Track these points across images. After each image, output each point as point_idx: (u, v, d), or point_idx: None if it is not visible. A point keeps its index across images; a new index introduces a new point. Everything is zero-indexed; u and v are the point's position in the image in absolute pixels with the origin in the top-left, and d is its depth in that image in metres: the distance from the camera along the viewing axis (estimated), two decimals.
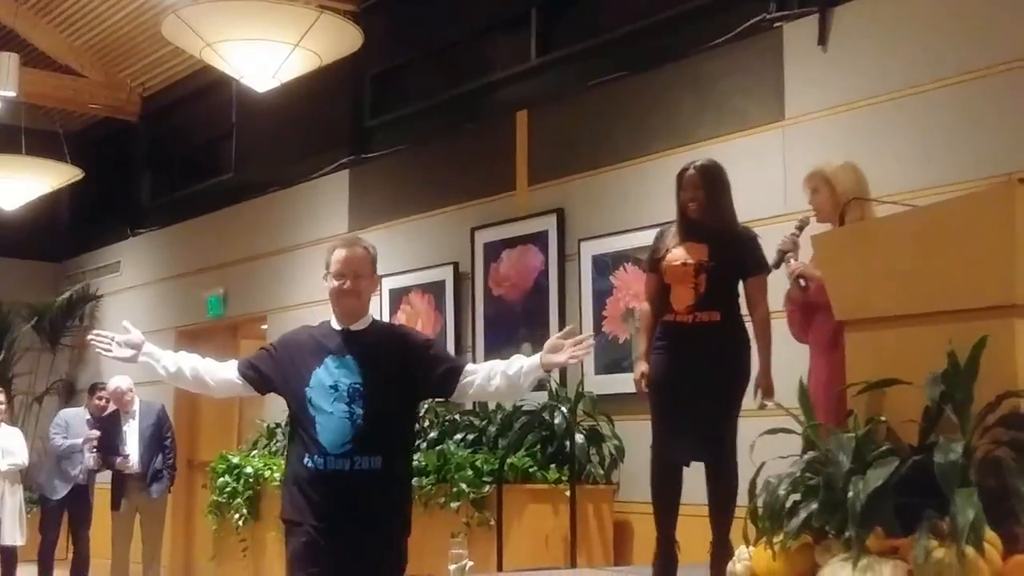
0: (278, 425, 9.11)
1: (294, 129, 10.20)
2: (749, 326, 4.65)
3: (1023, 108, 5.22)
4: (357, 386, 3.77)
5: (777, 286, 4.78)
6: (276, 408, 9.54)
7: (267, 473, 8.23)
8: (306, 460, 3.76)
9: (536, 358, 3.78)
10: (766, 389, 4.53)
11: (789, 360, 4.68)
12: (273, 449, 8.85)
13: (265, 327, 10.35)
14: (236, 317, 10.78)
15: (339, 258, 3.95)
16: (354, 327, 3.90)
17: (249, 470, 8.45)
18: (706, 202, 4.60)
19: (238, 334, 10.99)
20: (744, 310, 4.67)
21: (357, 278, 3.90)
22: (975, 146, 5.38)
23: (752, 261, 4.64)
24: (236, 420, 10.82)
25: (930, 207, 3.98)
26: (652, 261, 4.77)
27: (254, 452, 8.94)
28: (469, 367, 3.94)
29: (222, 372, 4.01)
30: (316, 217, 9.76)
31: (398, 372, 3.83)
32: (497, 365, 3.87)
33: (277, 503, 7.99)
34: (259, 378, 3.95)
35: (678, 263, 4.58)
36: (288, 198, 10.13)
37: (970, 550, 2.95)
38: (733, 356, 4.57)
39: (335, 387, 3.77)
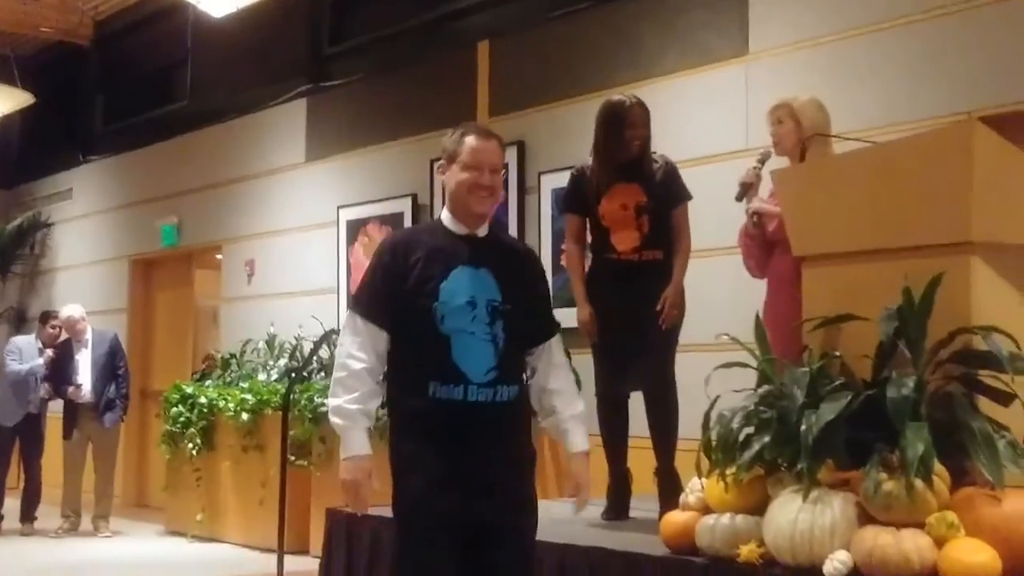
0: (232, 355, 9.07)
1: (251, 56, 10.02)
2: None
3: (983, 47, 5.22)
4: (496, 303, 3.20)
5: (735, 220, 4.78)
6: (231, 338, 9.52)
7: (221, 403, 8.20)
8: (433, 390, 3.13)
9: (573, 447, 3.34)
10: (671, 308, 4.53)
11: (746, 295, 4.69)
12: (228, 379, 8.82)
13: (220, 257, 10.25)
14: (190, 246, 10.67)
15: (475, 146, 3.27)
16: (480, 233, 3.30)
17: (203, 400, 8.41)
18: (646, 140, 4.60)
19: (192, 264, 10.89)
20: None
21: (494, 172, 3.28)
22: (936, 84, 5.38)
23: (678, 192, 4.66)
24: (190, 350, 10.75)
25: (889, 144, 3.96)
26: (577, 203, 4.73)
27: (208, 382, 8.90)
28: (554, 343, 3.40)
29: (377, 348, 3.21)
30: (272, 146, 9.64)
31: (530, 292, 3.32)
32: (563, 390, 3.37)
33: (231, 433, 8.10)
34: (393, 319, 3.21)
35: (616, 207, 4.58)
36: (244, 126, 9.99)
37: (919, 483, 2.98)
38: (673, 317, 4.60)
39: (472, 303, 3.17)
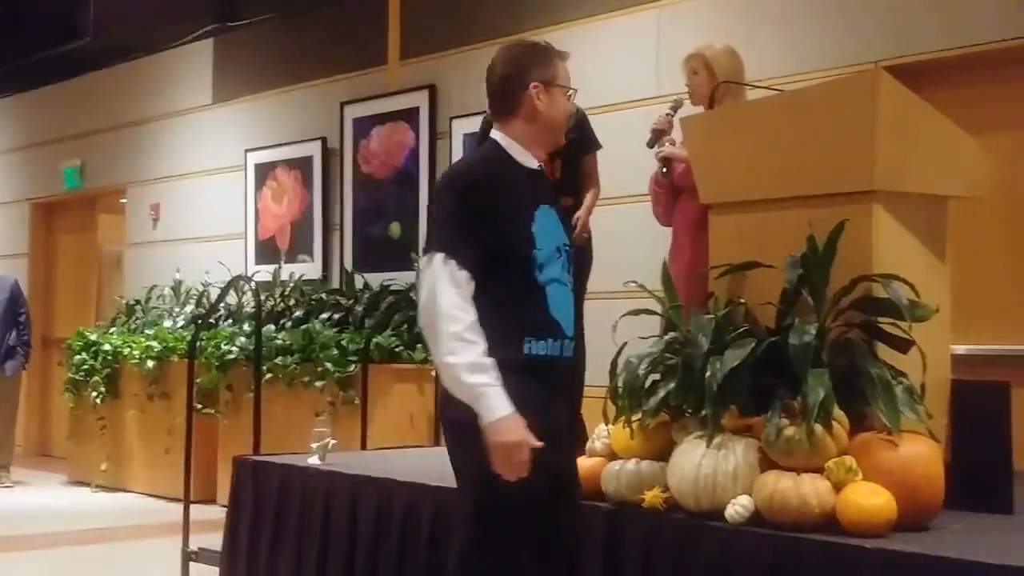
0: (137, 302, 8.91)
1: None
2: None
3: None
4: (569, 247, 2.97)
5: (645, 168, 4.78)
6: (136, 284, 9.34)
7: (126, 351, 8.05)
8: (529, 347, 2.83)
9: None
10: (582, 229, 4.52)
11: (653, 243, 4.71)
12: (132, 326, 8.66)
13: (124, 200, 10.03)
14: (94, 189, 10.42)
15: (567, 71, 2.98)
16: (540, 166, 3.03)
17: (108, 347, 8.25)
18: None
19: (96, 207, 10.65)
20: None
21: None
22: (844, 34, 5.42)
23: (588, 139, 4.67)
24: (94, 296, 10.53)
25: (796, 93, 3.98)
26: None
27: (113, 329, 8.73)
28: None
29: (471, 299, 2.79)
30: (179, 87, 9.41)
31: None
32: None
33: (137, 381, 7.97)
34: (482, 268, 2.82)
35: None
36: (149, 66, 9.74)
37: (819, 428, 3.02)
38: (585, 238, 4.61)
39: (559, 249, 2.91)
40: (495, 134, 2.99)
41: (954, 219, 3.68)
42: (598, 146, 4.71)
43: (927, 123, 3.51)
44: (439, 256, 2.76)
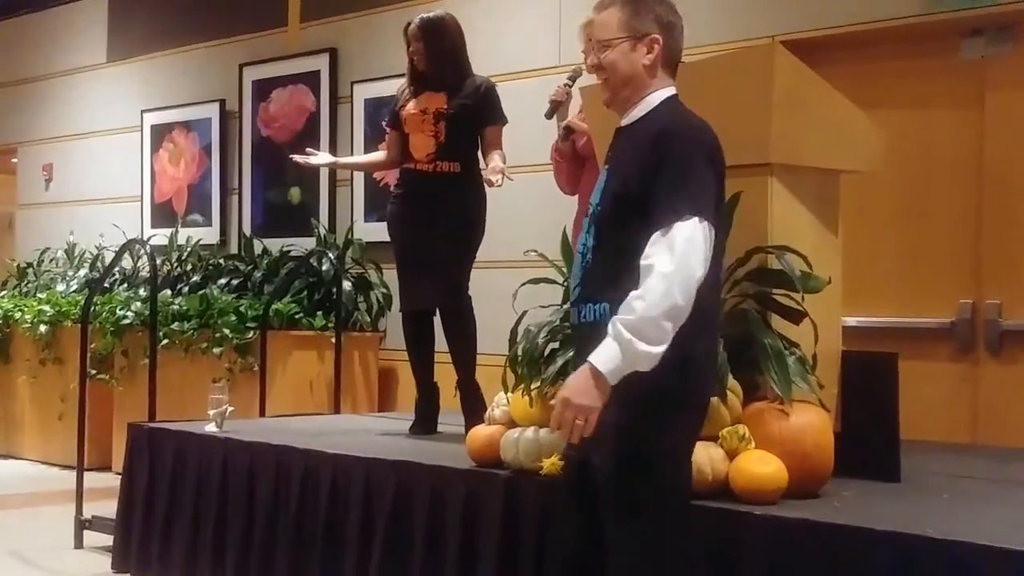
0: (29, 264, 8.69)
1: None
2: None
3: None
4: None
5: (546, 138, 4.79)
6: (28, 247, 9.09)
7: (17, 315, 7.85)
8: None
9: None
10: (498, 172, 4.41)
11: (554, 212, 4.73)
12: (24, 290, 8.44)
13: (15, 160, 9.74)
14: None
15: None
16: None
17: None
18: (428, 55, 4.60)
19: None
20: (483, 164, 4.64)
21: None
22: (741, 7, 5.48)
23: (490, 111, 4.64)
24: None
25: (693, 64, 3.98)
26: (393, 115, 4.76)
27: (3, 293, 8.50)
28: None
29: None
30: (71, 45, 9.15)
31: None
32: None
33: (28, 346, 7.77)
34: None
35: (416, 111, 4.59)
36: (40, 22, 9.44)
37: (713, 398, 3.08)
38: (471, 206, 4.62)
39: None
40: (671, 94, 2.71)
41: (846, 193, 3.76)
42: (503, 121, 4.69)
43: (822, 98, 3.57)
44: (693, 218, 2.45)
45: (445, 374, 4.77)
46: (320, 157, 4.88)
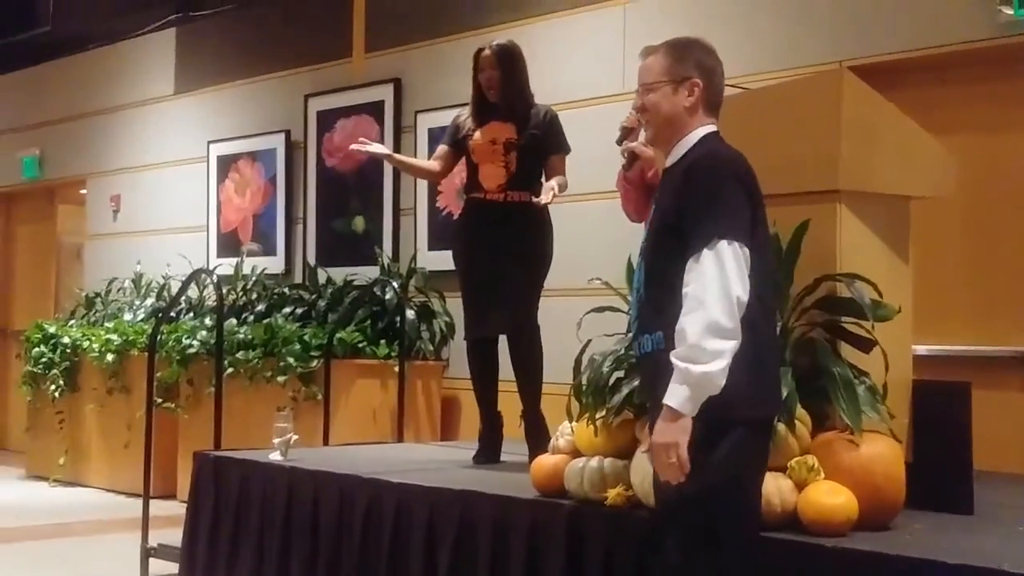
0: (97, 294, 8.82)
1: None
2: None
3: None
4: None
5: (611, 165, 4.77)
6: (96, 276, 9.24)
7: (85, 344, 7.96)
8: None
9: None
10: (552, 191, 4.43)
11: (620, 240, 4.69)
12: (92, 319, 8.56)
13: (84, 192, 9.92)
14: (53, 180, 10.28)
15: None
16: None
17: (66, 340, 8.16)
18: (502, 83, 4.59)
19: (55, 198, 10.52)
20: None
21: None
22: (808, 33, 5.44)
23: (555, 140, 4.65)
24: (53, 288, 10.41)
25: (760, 91, 3.99)
26: (450, 138, 4.76)
27: (72, 322, 8.63)
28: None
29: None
30: (140, 77, 9.31)
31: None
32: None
33: (96, 375, 7.87)
34: None
35: (485, 141, 4.59)
36: (110, 55, 9.63)
37: (781, 427, 3.03)
38: (540, 235, 4.64)
39: None
40: (709, 131, 2.79)
41: (916, 219, 3.70)
42: (567, 150, 4.69)
43: (891, 124, 3.53)
44: (727, 242, 2.53)
45: (510, 403, 4.75)
46: (376, 147, 4.83)
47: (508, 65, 4.59)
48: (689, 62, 2.80)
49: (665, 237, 2.70)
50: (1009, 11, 4.76)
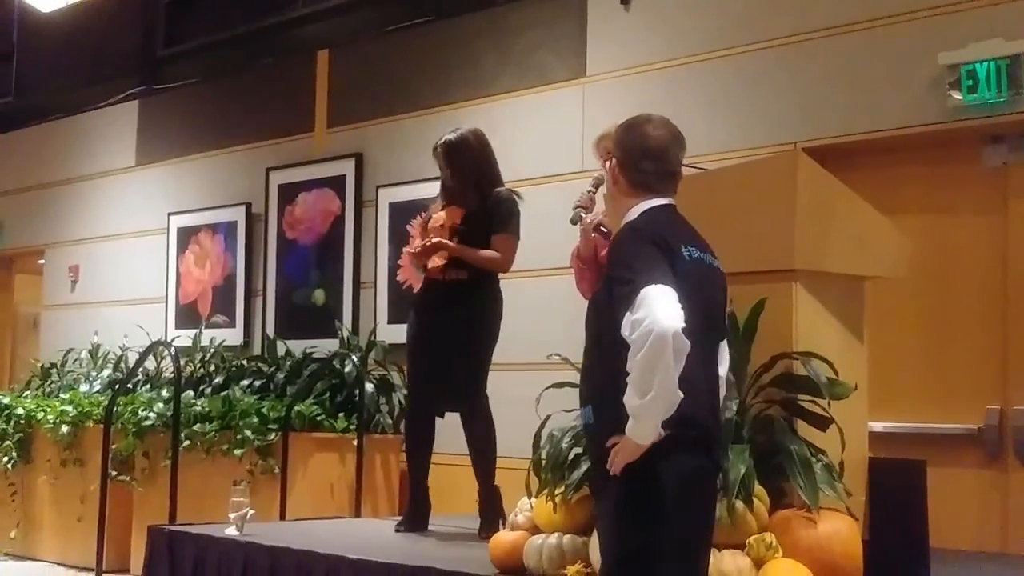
0: (53, 365, 8.72)
1: (81, 54, 9.67)
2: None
3: (811, 80, 5.41)
4: None
5: (569, 242, 4.83)
6: (52, 347, 9.14)
7: (40, 415, 7.85)
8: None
9: None
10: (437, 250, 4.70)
11: (576, 317, 4.72)
12: (47, 390, 8.46)
13: (42, 262, 9.85)
14: (12, 249, 10.22)
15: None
16: None
17: (20, 411, 8.04)
18: (452, 175, 4.88)
19: (13, 268, 10.45)
20: None
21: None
22: (763, 115, 5.55)
23: (498, 220, 4.84)
24: (8, 358, 10.29)
25: (716, 171, 4.06)
26: (424, 225, 5.00)
27: (27, 392, 8.52)
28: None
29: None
30: (101, 148, 9.31)
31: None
32: None
33: (50, 446, 7.76)
34: None
35: (437, 225, 4.85)
36: (72, 126, 9.63)
37: (739, 504, 3.05)
38: (481, 309, 4.81)
39: None
40: (651, 205, 2.92)
41: (871, 298, 3.76)
42: (510, 231, 4.83)
43: (844, 205, 3.60)
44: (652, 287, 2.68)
45: (467, 478, 4.74)
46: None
47: (454, 158, 4.88)
48: (624, 144, 2.94)
49: (597, 306, 2.86)
50: (959, 96, 4.89)
